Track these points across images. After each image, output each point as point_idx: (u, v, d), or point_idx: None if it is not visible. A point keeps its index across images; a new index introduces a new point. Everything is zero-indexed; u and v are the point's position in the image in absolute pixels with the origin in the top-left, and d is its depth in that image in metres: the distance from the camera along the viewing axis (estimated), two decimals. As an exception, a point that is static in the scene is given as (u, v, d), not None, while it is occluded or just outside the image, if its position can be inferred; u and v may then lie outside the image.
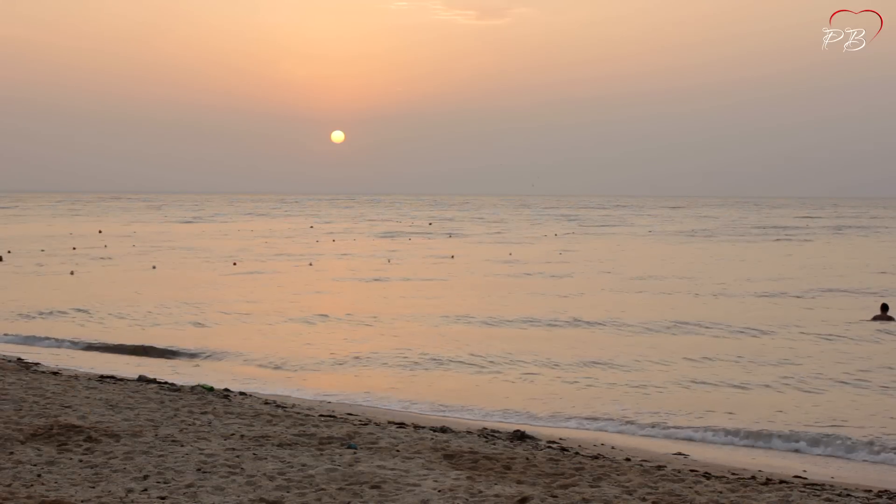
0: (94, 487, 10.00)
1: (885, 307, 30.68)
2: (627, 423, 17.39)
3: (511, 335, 27.68)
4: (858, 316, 31.00)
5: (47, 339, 27.21)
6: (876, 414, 17.70)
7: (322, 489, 10.28)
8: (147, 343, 25.95)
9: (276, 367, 23.20)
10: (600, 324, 29.47)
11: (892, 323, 29.66)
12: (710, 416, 17.62)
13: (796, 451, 15.82)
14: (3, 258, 53.15)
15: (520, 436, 14.97)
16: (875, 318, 30.24)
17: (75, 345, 26.47)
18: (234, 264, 51.85)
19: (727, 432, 16.67)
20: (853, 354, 24.14)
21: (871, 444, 15.63)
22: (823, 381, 20.73)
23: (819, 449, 15.80)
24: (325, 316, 31.49)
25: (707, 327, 28.74)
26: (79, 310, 32.57)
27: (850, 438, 15.91)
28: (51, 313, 31.95)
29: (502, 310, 32.75)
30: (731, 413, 17.81)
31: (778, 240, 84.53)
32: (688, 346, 25.11)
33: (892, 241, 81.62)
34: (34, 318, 31.22)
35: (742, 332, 27.89)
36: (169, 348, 25.45)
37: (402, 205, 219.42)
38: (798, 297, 37.61)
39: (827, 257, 61.44)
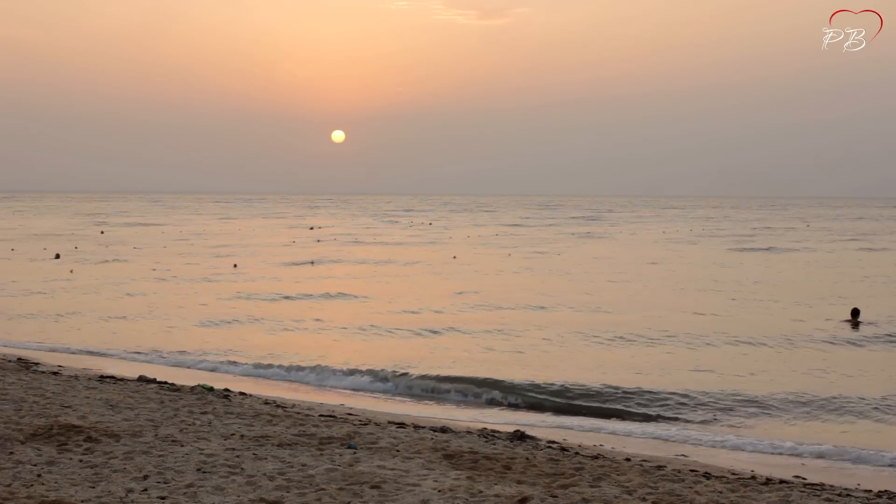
0: (94, 487, 9.99)
1: (855, 312, 28.83)
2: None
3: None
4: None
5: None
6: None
7: (322, 489, 10.28)
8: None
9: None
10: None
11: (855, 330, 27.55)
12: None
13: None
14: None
15: (520, 436, 14.99)
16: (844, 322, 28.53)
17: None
18: (235, 266, 51.84)
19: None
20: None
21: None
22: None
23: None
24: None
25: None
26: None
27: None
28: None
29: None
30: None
31: None
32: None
33: None
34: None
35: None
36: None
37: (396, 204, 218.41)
38: None
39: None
